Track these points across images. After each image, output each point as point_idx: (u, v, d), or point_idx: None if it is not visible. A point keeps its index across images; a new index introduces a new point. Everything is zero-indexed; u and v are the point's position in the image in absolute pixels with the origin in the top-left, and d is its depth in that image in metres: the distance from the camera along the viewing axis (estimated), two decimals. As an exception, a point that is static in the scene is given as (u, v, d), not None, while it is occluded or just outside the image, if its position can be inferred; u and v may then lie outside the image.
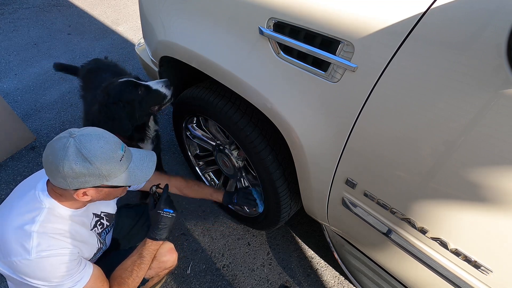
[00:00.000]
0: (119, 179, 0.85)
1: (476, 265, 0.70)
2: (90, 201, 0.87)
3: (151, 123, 1.36)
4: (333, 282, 1.49)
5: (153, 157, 0.98)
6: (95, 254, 1.02)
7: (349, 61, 0.72)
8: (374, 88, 0.70)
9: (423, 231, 0.76)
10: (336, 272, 1.52)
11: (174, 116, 1.52)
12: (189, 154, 1.68)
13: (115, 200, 1.14)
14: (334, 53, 0.74)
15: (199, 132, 1.51)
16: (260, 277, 1.49)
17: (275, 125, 0.96)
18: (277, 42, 0.85)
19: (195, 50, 1.08)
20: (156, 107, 1.29)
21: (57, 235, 0.83)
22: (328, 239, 1.26)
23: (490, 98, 0.55)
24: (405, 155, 0.72)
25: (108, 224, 1.10)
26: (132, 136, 1.27)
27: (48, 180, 0.86)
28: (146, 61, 1.53)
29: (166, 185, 1.15)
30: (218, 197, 1.41)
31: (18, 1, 3.75)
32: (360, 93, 0.73)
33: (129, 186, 0.95)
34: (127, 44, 3.09)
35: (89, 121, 1.28)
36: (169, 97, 1.27)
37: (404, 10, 0.63)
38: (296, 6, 0.78)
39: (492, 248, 0.67)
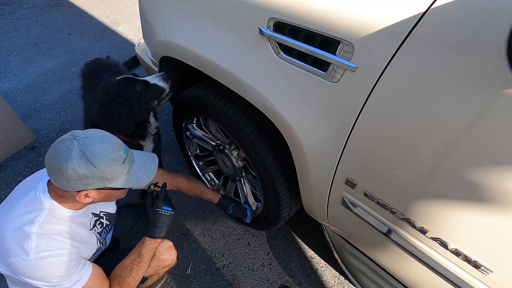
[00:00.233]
0: (122, 181, 0.85)
1: (476, 265, 0.70)
2: (92, 202, 0.87)
3: (152, 119, 1.36)
4: (333, 282, 1.49)
5: (155, 159, 0.98)
6: (94, 253, 1.02)
7: (349, 61, 0.72)
8: (374, 88, 0.70)
9: (423, 231, 0.76)
10: (336, 272, 1.52)
11: (174, 116, 1.52)
12: (189, 154, 1.69)
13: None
14: (334, 53, 0.74)
15: (199, 132, 1.51)
16: (260, 277, 1.49)
17: (275, 125, 0.96)
18: (277, 42, 0.85)
19: (195, 50, 1.08)
20: (156, 102, 1.29)
21: (56, 236, 0.84)
22: (328, 239, 1.26)
23: (490, 98, 0.55)
24: (405, 155, 0.72)
25: (108, 223, 1.11)
26: (133, 134, 1.27)
27: (49, 181, 0.86)
28: (146, 61, 1.53)
29: (164, 184, 1.15)
30: (214, 198, 1.43)
31: (18, 1, 3.75)
32: (360, 93, 0.73)
33: (131, 188, 0.95)
34: (127, 44, 3.09)
35: (89, 121, 1.28)
36: (167, 90, 1.27)
37: (404, 10, 0.63)
38: (296, 6, 0.78)
39: (492, 248, 0.67)
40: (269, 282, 1.47)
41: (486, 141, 0.58)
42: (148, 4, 1.31)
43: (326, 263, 1.55)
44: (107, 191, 0.86)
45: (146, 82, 1.23)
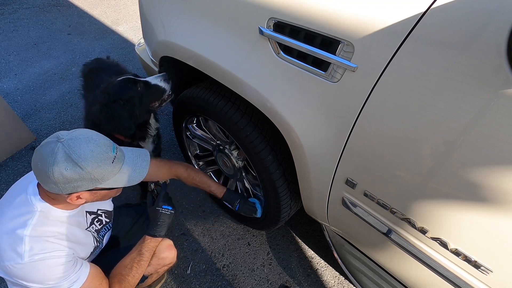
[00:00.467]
0: (113, 181, 0.83)
1: (476, 265, 0.70)
2: (85, 203, 0.86)
3: (152, 121, 1.36)
4: (333, 282, 1.49)
5: (146, 156, 0.96)
6: (91, 253, 1.01)
7: (349, 61, 0.72)
8: (374, 88, 0.70)
9: (423, 231, 0.76)
10: (336, 272, 1.52)
11: (174, 116, 1.52)
12: (189, 154, 1.69)
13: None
14: (334, 53, 0.74)
15: (199, 132, 1.51)
16: (260, 277, 1.49)
17: (275, 125, 0.96)
18: (277, 42, 0.85)
19: (195, 50, 1.08)
20: (157, 103, 1.28)
21: (50, 238, 0.82)
22: (328, 239, 1.26)
23: (490, 98, 0.55)
24: (405, 155, 0.72)
25: (107, 220, 1.10)
26: (134, 135, 1.27)
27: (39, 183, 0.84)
28: (146, 61, 1.53)
29: (165, 183, 1.15)
30: (218, 192, 1.36)
31: (18, 1, 3.75)
32: (360, 93, 0.73)
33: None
34: (127, 44, 3.09)
35: (90, 121, 1.28)
36: (168, 91, 1.27)
37: (404, 10, 0.63)
38: (296, 6, 0.78)
39: (492, 248, 0.67)
40: (269, 282, 1.47)
41: (486, 141, 0.58)
42: (148, 4, 1.31)
43: (326, 263, 1.55)
44: (100, 191, 0.85)
45: (147, 82, 1.23)
